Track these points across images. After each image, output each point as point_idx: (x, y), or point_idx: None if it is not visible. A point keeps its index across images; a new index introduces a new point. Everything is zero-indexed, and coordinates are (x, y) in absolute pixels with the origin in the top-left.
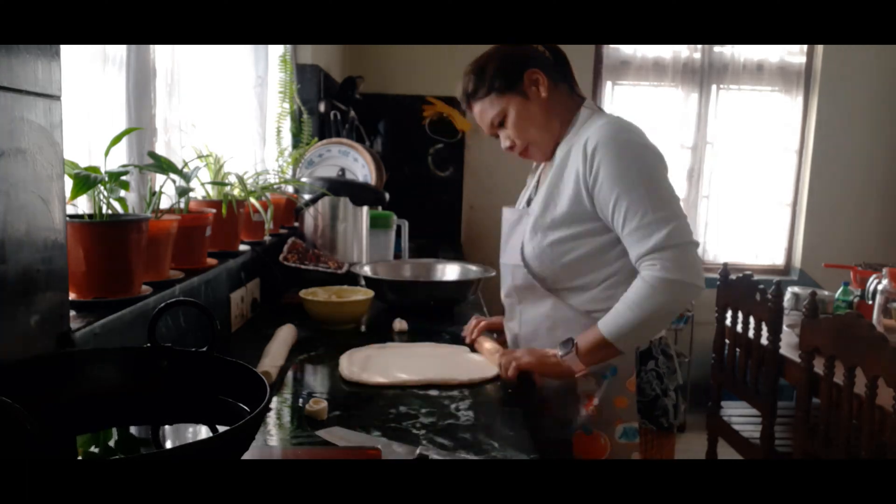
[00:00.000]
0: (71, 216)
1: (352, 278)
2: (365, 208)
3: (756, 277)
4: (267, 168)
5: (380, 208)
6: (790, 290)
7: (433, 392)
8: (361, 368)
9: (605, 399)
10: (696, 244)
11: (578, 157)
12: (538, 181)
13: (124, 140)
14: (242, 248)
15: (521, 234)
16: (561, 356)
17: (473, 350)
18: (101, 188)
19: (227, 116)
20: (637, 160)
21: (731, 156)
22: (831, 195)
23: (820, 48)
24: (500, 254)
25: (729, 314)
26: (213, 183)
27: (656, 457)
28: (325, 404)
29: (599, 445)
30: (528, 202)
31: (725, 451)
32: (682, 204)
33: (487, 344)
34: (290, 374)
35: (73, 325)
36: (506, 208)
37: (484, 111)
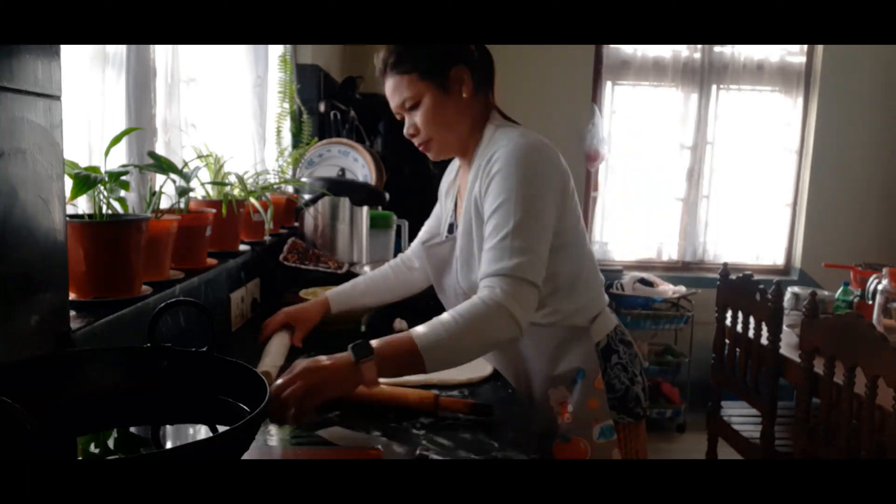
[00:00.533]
0: (71, 216)
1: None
2: (365, 208)
3: (756, 277)
4: (267, 168)
5: (380, 208)
6: (790, 290)
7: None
8: None
9: (578, 404)
10: (537, 289)
11: (480, 171)
12: (455, 205)
13: (124, 140)
14: (242, 248)
15: (461, 262)
16: (355, 361)
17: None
18: (101, 188)
19: (227, 116)
20: (525, 184)
21: (731, 156)
22: (831, 195)
23: (820, 48)
24: (437, 287)
25: (729, 314)
26: (213, 183)
27: (633, 446)
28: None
29: (579, 450)
30: (451, 228)
31: (725, 451)
32: (681, 206)
33: (268, 360)
34: None
35: (73, 324)
36: (427, 245)
37: (398, 88)
